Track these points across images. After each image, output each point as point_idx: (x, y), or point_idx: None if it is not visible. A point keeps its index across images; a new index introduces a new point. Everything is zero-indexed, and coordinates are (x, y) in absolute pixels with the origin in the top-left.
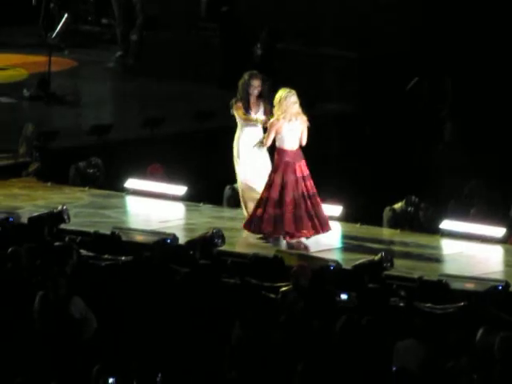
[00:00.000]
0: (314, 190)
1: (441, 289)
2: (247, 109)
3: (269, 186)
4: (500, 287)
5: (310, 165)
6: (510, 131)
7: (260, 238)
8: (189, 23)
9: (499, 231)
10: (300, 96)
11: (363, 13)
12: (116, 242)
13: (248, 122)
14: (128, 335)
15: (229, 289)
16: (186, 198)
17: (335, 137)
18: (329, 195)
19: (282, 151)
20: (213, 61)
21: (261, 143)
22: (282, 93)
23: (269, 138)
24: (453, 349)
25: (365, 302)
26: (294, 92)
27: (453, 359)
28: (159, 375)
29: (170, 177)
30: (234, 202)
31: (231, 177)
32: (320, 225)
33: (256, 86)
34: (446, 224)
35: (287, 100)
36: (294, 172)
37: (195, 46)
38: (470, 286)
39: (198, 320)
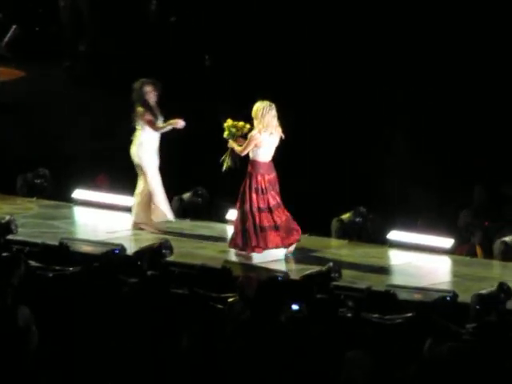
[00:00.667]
0: (275, 202)
1: (389, 299)
2: (155, 116)
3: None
4: (448, 298)
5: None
6: (458, 140)
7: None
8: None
9: (447, 242)
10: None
11: None
12: (64, 252)
13: (160, 130)
14: (76, 346)
15: (177, 299)
16: None
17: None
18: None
19: (256, 163)
20: (161, 71)
21: (233, 153)
22: (262, 105)
23: (246, 149)
24: (400, 359)
25: (314, 313)
26: (273, 105)
27: (401, 369)
28: None
29: (119, 188)
30: (183, 212)
31: (178, 187)
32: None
33: (149, 91)
34: (394, 234)
35: (269, 114)
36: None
37: (143, 55)
38: (417, 296)
39: (145, 331)
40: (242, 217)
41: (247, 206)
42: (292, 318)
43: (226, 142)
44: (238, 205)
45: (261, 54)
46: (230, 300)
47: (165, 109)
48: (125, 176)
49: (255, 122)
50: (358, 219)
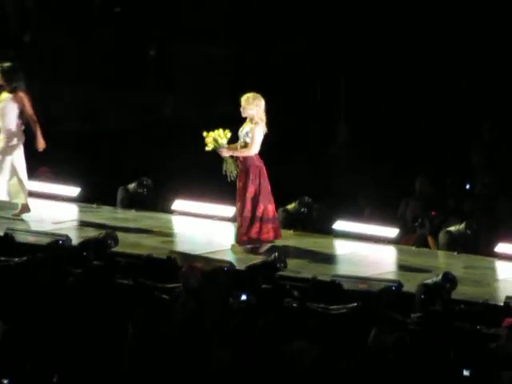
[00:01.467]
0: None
1: (334, 289)
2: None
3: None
4: (393, 288)
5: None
6: (402, 132)
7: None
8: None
9: (392, 231)
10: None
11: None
12: (9, 243)
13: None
14: (22, 336)
15: (122, 290)
16: (80, 199)
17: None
18: (222, 195)
19: (253, 156)
20: (106, 61)
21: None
22: (256, 96)
23: (256, 146)
24: (346, 349)
25: (259, 303)
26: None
27: (347, 360)
28: (55, 376)
29: (63, 178)
30: (128, 202)
31: (125, 177)
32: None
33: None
34: (339, 224)
35: (263, 105)
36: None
37: (88, 46)
38: (362, 286)
39: (91, 321)
40: (250, 209)
41: (251, 198)
42: (240, 308)
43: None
44: (243, 199)
45: (205, 46)
46: (175, 290)
47: (113, 99)
48: (69, 166)
49: (249, 113)
50: (303, 209)
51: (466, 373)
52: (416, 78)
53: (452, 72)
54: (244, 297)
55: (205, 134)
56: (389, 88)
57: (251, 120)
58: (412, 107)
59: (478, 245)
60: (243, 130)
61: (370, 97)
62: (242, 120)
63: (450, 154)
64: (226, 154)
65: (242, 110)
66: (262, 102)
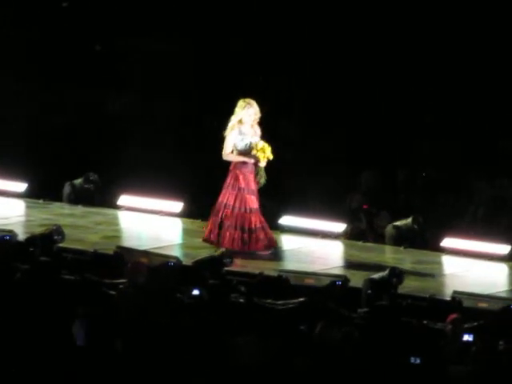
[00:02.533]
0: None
1: (281, 284)
2: None
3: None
4: (339, 282)
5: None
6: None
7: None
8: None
9: (339, 226)
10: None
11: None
12: None
13: None
14: None
15: (69, 285)
16: (26, 195)
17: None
18: (169, 190)
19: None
20: (53, 57)
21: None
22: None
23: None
24: (293, 345)
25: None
26: None
27: (292, 355)
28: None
29: (10, 174)
30: (75, 198)
31: (71, 173)
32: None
33: None
34: (286, 220)
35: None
36: None
37: (34, 42)
38: (309, 281)
39: (38, 317)
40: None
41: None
42: (189, 303)
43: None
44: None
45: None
46: (122, 286)
47: (60, 95)
48: (16, 162)
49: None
50: None
51: (413, 365)
52: (360, 73)
53: (393, 65)
54: (196, 291)
55: (264, 145)
56: (336, 83)
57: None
58: (360, 102)
59: (425, 239)
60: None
61: (317, 92)
62: (192, 116)
63: (400, 148)
64: (263, 164)
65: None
66: (242, 105)
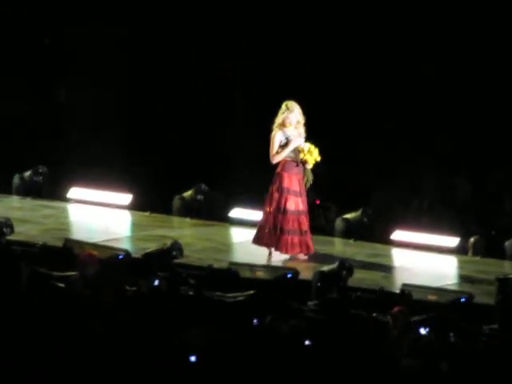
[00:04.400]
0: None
1: (230, 277)
2: None
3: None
4: (289, 275)
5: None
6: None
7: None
8: None
9: None
10: None
11: None
12: None
13: None
14: None
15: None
16: None
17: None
18: (118, 182)
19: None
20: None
21: None
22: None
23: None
24: (243, 338)
25: (156, 292)
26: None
27: (242, 348)
28: None
29: None
30: (24, 190)
31: (21, 165)
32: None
33: None
34: (236, 212)
35: (283, 111)
36: None
37: None
38: (259, 274)
39: None
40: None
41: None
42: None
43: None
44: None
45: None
46: (72, 278)
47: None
48: None
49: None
50: (199, 197)
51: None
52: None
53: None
54: (156, 282)
55: (310, 147)
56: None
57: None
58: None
59: (374, 232)
60: None
61: (264, 83)
62: (141, 106)
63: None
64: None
65: None
66: (283, 109)
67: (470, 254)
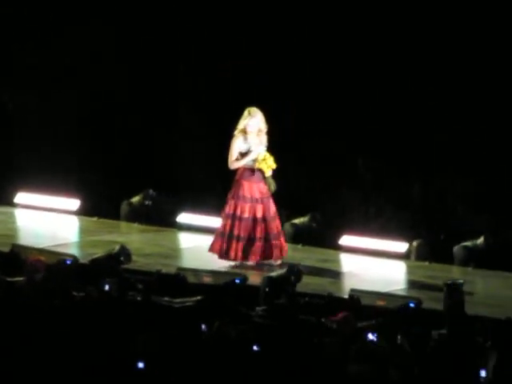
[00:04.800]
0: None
1: (178, 282)
2: None
3: None
4: (237, 280)
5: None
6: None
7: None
8: None
9: None
10: None
11: None
12: None
13: None
14: None
15: None
16: None
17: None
18: (66, 187)
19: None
20: None
21: None
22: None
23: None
24: (191, 343)
25: (104, 298)
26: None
27: (190, 353)
28: None
29: None
30: None
31: None
32: None
33: None
34: (183, 217)
35: (245, 117)
36: None
37: None
38: (207, 279)
39: None
40: None
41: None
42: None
43: None
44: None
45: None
46: (18, 283)
47: None
48: None
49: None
50: (147, 202)
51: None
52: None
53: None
54: (106, 287)
55: (265, 155)
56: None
57: None
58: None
59: (323, 237)
60: None
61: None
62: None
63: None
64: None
65: None
66: (245, 115)
67: (412, 258)
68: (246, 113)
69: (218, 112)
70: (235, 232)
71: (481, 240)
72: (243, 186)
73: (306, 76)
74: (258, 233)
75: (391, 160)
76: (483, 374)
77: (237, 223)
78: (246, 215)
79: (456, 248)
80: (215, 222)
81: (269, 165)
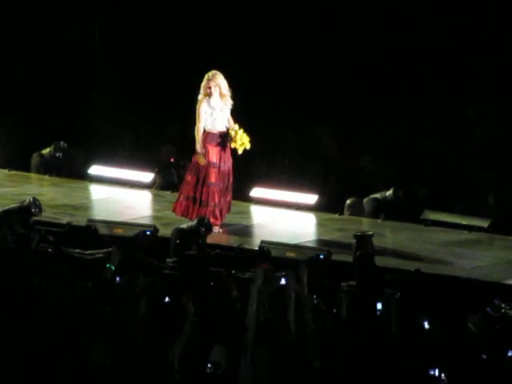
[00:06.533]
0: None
1: (89, 234)
2: None
3: None
4: (148, 232)
5: None
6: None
7: None
8: None
9: (148, 176)
10: None
11: None
12: None
13: None
14: None
15: None
16: None
17: None
18: None
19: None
20: None
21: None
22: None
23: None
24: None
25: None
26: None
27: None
28: None
29: None
30: None
31: None
32: None
33: None
34: (95, 169)
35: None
36: None
37: None
38: (118, 231)
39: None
40: None
41: None
42: None
43: None
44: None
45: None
46: None
47: None
48: None
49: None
50: (58, 154)
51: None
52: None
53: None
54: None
55: (242, 134)
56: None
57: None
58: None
59: (240, 190)
60: None
61: (131, 41)
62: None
63: None
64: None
65: None
66: (205, 79)
67: (346, 215)
68: (205, 76)
69: (132, 68)
70: (199, 197)
71: (390, 192)
72: (207, 151)
73: None
74: (211, 197)
75: (305, 111)
76: (379, 306)
77: (199, 188)
78: (212, 180)
79: (366, 200)
80: (126, 174)
81: (243, 141)
